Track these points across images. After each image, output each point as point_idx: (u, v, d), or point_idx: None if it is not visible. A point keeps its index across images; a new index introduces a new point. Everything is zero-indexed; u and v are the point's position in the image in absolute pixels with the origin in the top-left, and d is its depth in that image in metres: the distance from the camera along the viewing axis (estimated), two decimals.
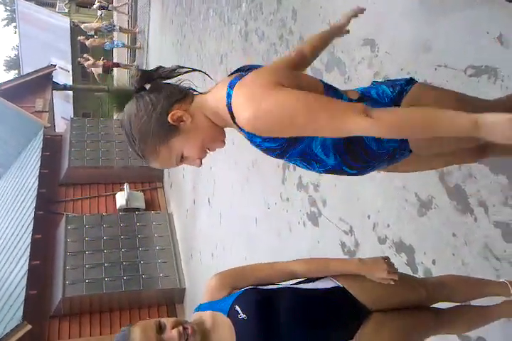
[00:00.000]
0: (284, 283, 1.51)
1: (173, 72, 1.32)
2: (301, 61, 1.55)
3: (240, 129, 1.24)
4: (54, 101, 14.51)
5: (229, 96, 1.20)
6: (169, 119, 1.25)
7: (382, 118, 1.11)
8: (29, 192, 10.30)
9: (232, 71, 1.36)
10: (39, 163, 10.66)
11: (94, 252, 9.00)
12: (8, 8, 44.55)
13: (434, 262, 2.50)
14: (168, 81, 1.33)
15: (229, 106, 1.20)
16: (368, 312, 1.47)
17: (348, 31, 1.68)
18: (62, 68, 19.82)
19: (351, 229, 3.31)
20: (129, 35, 17.85)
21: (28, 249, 8.74)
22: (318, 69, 3.67)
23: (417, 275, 2.52)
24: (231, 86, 1.21)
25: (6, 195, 11.93)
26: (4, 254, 9.74)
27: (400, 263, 2.68)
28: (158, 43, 12.94)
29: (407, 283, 1.61)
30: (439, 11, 2.48)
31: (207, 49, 7.50)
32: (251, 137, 1.25)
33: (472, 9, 2.25)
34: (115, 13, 20.30)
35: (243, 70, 1.32)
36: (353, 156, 1.33)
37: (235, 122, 1.21)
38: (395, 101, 1.38)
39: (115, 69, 18.92)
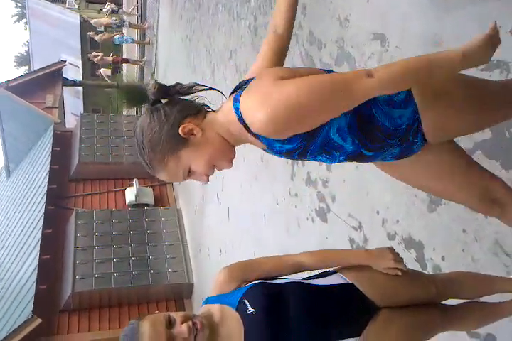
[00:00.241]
0: (292, 277, 1.51)
1: (191, 89, 1.35)
2: (281, 43, 1.51)
3: (258, 138, 1.25)
4: (64, 97, 14.62)
5: (237, 110, 1.22)
6: (180, 131, 1.27)
7: (383, 72, 1.16)
8: (39, 187, 10.38)
9: (233, 87, 1.37)
10: (49, 158, 10.73)
11: (104, 247, 9.06)
12: (18, 4, 44.82)
13: (443, 258, 2.49)
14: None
15: (240, 119, 1.22)
16: (377, 308, 1.46)
17: None
18: (72, 64, 19.92)
19: (360, 225, 3.30)
20: (139, 30, 17.86)
21: (39, 244, 8.83)
22: (327, 63, 3.65)
23: (426, 272, 2.51)
24: (236, 100, 1.24)
25: (16, 191, 12.03)
26: (15, 249, 9.83)
27: (409, 259, 2.67)
28: (167, 39, 12.94)
29: (417, 279, 1.60)
30: (449, 5, 2.45)
31: (216, 44, 7.49)
32: (270, 144, 1.26)
33: (483, 2, 2.22)
34: (125, 5, 20.36)
35: (242, 84, 1.35)
36: (369, 136, 1.32)
37: (251, 132, 1.23)
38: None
39: (124, 65, 18.98)
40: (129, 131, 11.63)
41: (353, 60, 3.32)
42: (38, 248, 8.77)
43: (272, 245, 4.98)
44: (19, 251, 9.54)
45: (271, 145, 1.27)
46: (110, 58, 15.89)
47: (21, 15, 43.92)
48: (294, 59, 4.19)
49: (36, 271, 8.34)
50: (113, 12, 17.03)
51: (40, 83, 12.84)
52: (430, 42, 2.55)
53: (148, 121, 1.30)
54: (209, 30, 7.98)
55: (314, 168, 3.97)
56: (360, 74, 1.15)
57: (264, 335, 1.33)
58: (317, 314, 1.39)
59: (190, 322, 1.30)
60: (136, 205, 10.40)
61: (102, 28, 16.51)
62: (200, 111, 1.34)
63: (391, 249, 1.55)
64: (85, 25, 20.18)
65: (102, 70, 16.86)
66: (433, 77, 1.20)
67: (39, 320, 7.64)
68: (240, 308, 1.37)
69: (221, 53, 7.12)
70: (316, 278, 1.52)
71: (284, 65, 1.50)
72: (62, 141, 11.44)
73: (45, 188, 10.01)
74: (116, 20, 15.96)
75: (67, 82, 14.64)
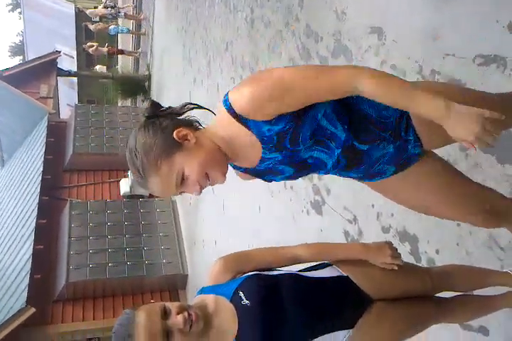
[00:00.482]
0: (288, 269, 1.51)
1: (183, 108, 1.40)
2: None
3: (247, 125, 1.27)
4: (59, 88, 14.52)
5: (226, 102, 1.27)
6: (175, 135, 1.31)
7: (367, 69, 1.26)
8: (34, 177, 10.33)
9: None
10: (44, 149, 10.68)
11: (98, 238, 9.05)
12: None
13: (437, 251, 2.50)
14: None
15: (229, 109, 1.26)
16: (371, 301, 1.47)
17: None
18: (66, 54, 19.76)
19: (355, 218, 3.31)
20: (134, 21, 17.71)
21: (33, 234, 8.81)
22: (324, 56, 3.65)
23: (420, 265, 2.53)
24: (225, 96, 1.30)
25: (11, 181, 11.98)
26: (9, 239, 9.81)
27: (404, 252, 2.68)
28: (163, 30, 12.85)
29: (412, 272, 1.61)
30: None
31: (212, 36, 7.44)
32: (259, 128, 1.28)
33: None
34: (120, 3, 20.13)
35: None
36: (359, 126, 1.35)
37: (239, 120, 1.26)
38: None
39: (120, 56, 18.84)
40: (124, 122, 11.59)
41: (350, 53, 3.32)
42: (32, 238, 8.75)
43: (266, 237, 4.99)
44: (13, 241, 9.52)
45: (260, 129, 1.28)
46: (105, 49, 15.75)
47: (16, 5, 43.51)
48: (290, 52, 4.18)
49: (30, 261, 8.32)
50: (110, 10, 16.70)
51: (34, 73, 12.75)
52: (428, 36, 2.54)
53: (142, 131, 1.33)
54: (205, 22, 7.94)
55: None
56: (350, 65, 1.23)
57: (258, 327, 1.33)
58: (312, 306, 1.39)
59: (185, 313, 1.30)
60: (131, 196, 10.38)
61: (98, 19, 16.37)
62: (192, 124, 1.39)
63: (389, 244, 1.54)
64: (80, 16, 20.03)
65: (97, 67, 16.77)
66: (405, 105, 1.25)
67: (33, 310, 7.64)
68: (235, 299, 1.37)
69: (217, 45, 7.08)
70: (312, 270, 1.52)
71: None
72: (56, 132, 11.37)
73: (40, 178, 9.97)
74: (111, 10, 15.78)
75: (62, 72, 14.52)
